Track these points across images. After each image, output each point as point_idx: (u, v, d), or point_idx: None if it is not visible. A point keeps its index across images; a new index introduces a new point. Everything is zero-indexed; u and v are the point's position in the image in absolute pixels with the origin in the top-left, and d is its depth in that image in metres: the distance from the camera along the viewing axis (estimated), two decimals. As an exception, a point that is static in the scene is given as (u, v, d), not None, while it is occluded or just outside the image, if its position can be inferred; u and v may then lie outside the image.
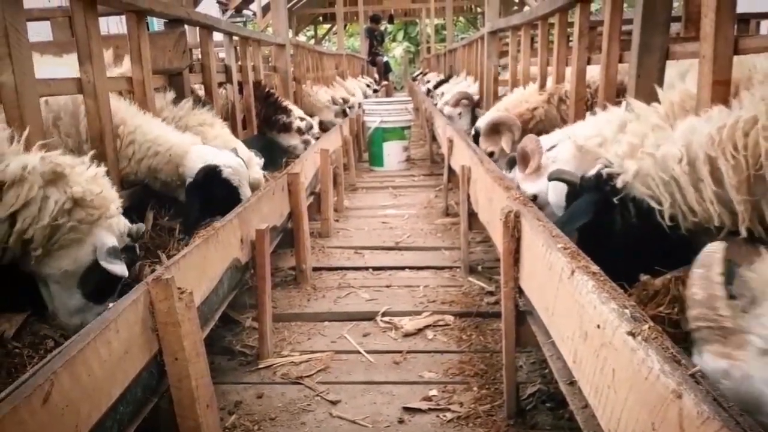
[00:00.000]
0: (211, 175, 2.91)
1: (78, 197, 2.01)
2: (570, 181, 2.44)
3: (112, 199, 2.17)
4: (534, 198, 2.86)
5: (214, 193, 2.86)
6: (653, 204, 1.91)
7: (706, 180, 1.75)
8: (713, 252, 1.22)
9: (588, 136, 2.62)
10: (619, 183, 2.02)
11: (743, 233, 1.71)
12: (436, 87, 9.98)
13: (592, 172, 2.22)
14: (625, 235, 2.00)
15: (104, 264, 2.03)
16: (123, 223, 2.23)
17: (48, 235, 1.98)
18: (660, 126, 2.06)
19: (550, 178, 2.60)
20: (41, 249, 1.98)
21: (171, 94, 3.77)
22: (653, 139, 1.97)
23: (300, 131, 5.55)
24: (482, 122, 4.49)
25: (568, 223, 2.08)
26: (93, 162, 2.22)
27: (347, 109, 8.41)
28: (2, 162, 1.94)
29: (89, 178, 2.09)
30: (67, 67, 3.03)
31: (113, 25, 7.08)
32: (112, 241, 2.10)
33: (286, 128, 5.48)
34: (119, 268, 2.05)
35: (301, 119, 5.70)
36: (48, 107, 2.88)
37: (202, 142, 3.51)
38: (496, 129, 4.27)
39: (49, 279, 2.07)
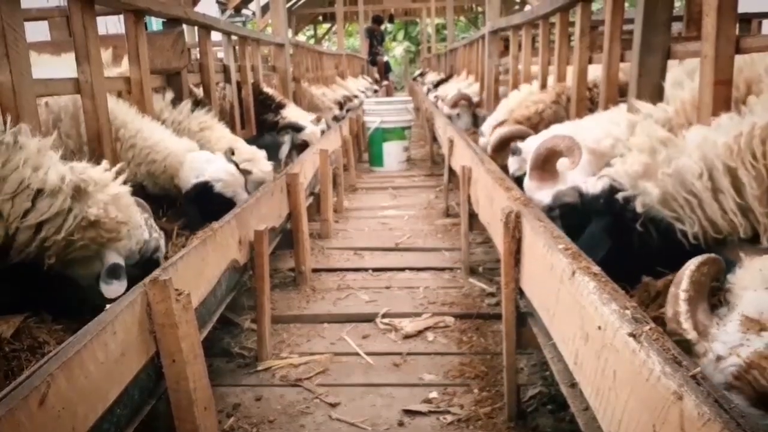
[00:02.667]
0: (203, 191, 2.92)
1: (93, 220, 1.98)
2: (569, 203, 2.25)
3: (127, 221, 2.12)
4: (551, 208, 2.55)
5: (209, 208, 2.86)
6: (677, 225, 1.84)
7: (727, 192, 1.71)
8: (684, 269, 1.31)
9: (598, 138, 2.55)
10: (638, 207, 1.92)
11: (765, 243, 1.67)
12: (435, 86, 9.98)
13: (596, 189, 2.11)
14: (635, 251, 1.93)
15: (101, 285, 1.97)
16: (135, 242, 2.16)
17: (63, 247, 1.97)
18: (670, 139, 1.99)
19: (554, 205, 2.43)
20: (55, 258, 1.98)
21: (170, 95, 3.76)
22: (665, 155, 1.91)
23: (284, 130, 5.48)
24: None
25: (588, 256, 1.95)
26: (118, 176, 2.19)
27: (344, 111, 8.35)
28: (42, 168, 1.93)
29: (110, 199, 2.06)
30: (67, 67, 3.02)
31: (111, 25, 7.06)
32: (114, 259, 2.05)
33: (273, 127, 5.45)
34: (114, 289, 1.97)
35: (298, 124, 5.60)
36: (48, 109, 2.87)
37: (207, 146, 3.51)
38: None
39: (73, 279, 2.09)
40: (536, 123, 4.08)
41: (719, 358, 1.14)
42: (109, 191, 2.07)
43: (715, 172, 1.74)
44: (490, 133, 4.26)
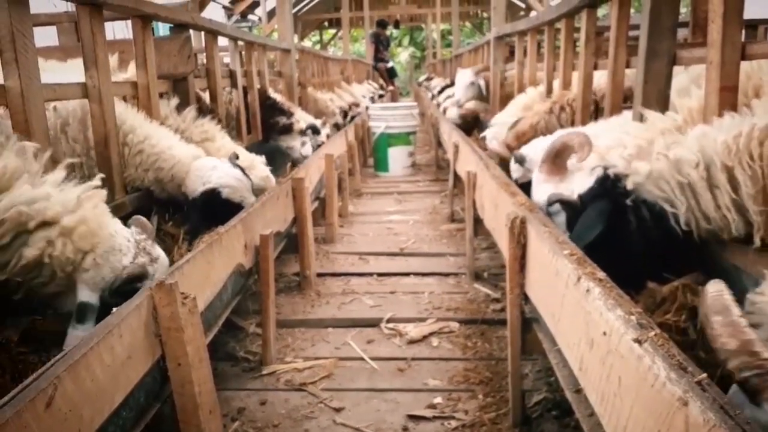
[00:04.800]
0: (211, 198, 2.94)
1: (29, 261, 1.80)
2: (569, 202, 2.30)
3: (90, 248, 1.91)
4: (550, 203, 2.56)
5: (218, 214, 2.85)
6: (667, 207, 1.87)
7: (723, 188, 1.73)
8: (721, 295, 1.15)
9: (610, 146, 2.56)
10: (629, 184, 1.96)
11: (757, 243, 1.68)
12: (440, 92, 9.98)
13: (590, 182, 2.14)
14: (634, 241, 1.95)
15: (69, 329, 1.84)
16: (109, 270, 1.93)
17: (17, 285, 1.84)
18: (669, 130, 2.03)
19: (550, 202, 2.44)
20: (21, 293, 1.85)
21: (175, 101, 3.77)
22: (663, 142, 1.94)
23: (302, 132, 5.51)
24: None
25: (582, 236, 1.92)
26: (87, 191, 2.01)
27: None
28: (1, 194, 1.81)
29: (61, 231, 1.86)
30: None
31: (119, 30, 7.12)
32: (84, 296, 1.89)
33: (287, 130, 5.46)
34: (75, 335, 1.81)
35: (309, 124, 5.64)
36: (56, 113, 2.89)
37: (206, 155, 3.51)
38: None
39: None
40: (531, 137, 4.08)
41: None
42: (57, 220, 1.87)
43: (712, 167, 1.75)
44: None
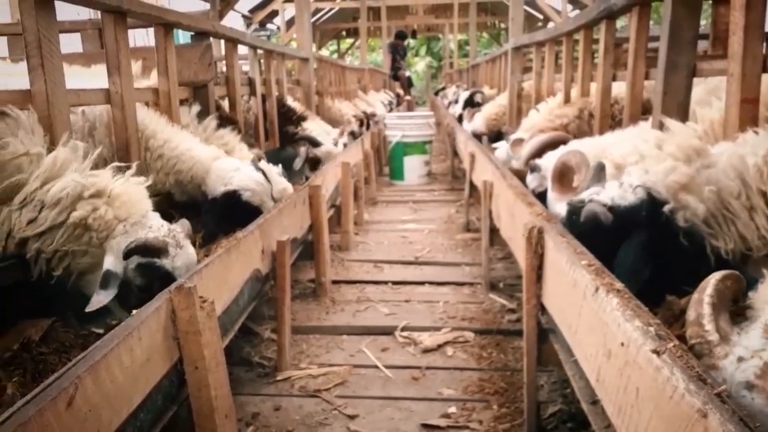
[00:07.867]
0: (231, 201, 2.95)
1: (76, 222, 1.98)
2: (601, 221, 2.02)
3: (125, 217, 2.06)
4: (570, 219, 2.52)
5: (236, 216, 2.86)
6: (714, 242, 1.81)
7: (760, 211, 1.71)
8: (709, 279, 1.31)
9: (624, 154, 2.52)
10: (681, 221, 1.85)
11: None
12: (456, 101, 9.99)
13: (629, 201, 1.97)
14: (663, 263, 1.91)
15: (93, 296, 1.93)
16: (133, 241, 2.02)
17: (61, 257, 2.00)
18: (703, 150, 1.94)
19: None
20: (62, 270, 2.00)
21: (196, 108, 3.80)
22: (699, 166, 1.88)
23: (298, 143, 5.46)
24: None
25: (632, 280, 1.68)
26: (131, 174, 2.22)
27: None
28: (53, 181, 1.99)
29: (106, 200, 2.04)
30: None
31: (140, 38, 7.22)
32: (109, 264, 1.98)
33: (293, 139, 5.48)
34: (97, 300, 1.90)
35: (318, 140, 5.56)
36: (84, 117, 2.94)
37: None
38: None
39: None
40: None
41: (741, 359, 1.13)
42: (107, 191, 2.06)
43: (750, 192, 1.73)
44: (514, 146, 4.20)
